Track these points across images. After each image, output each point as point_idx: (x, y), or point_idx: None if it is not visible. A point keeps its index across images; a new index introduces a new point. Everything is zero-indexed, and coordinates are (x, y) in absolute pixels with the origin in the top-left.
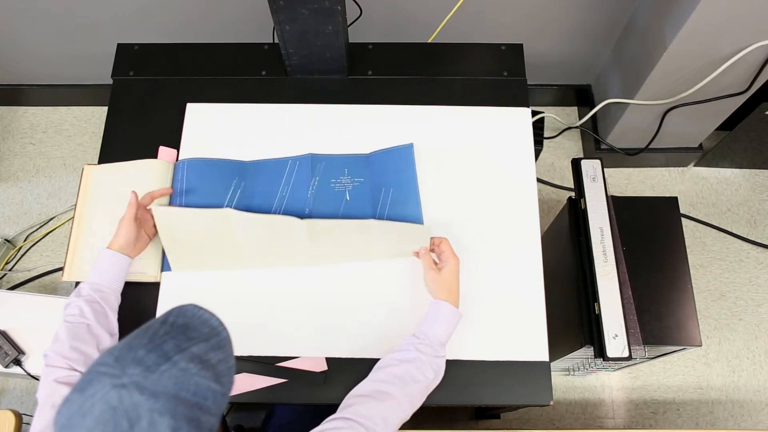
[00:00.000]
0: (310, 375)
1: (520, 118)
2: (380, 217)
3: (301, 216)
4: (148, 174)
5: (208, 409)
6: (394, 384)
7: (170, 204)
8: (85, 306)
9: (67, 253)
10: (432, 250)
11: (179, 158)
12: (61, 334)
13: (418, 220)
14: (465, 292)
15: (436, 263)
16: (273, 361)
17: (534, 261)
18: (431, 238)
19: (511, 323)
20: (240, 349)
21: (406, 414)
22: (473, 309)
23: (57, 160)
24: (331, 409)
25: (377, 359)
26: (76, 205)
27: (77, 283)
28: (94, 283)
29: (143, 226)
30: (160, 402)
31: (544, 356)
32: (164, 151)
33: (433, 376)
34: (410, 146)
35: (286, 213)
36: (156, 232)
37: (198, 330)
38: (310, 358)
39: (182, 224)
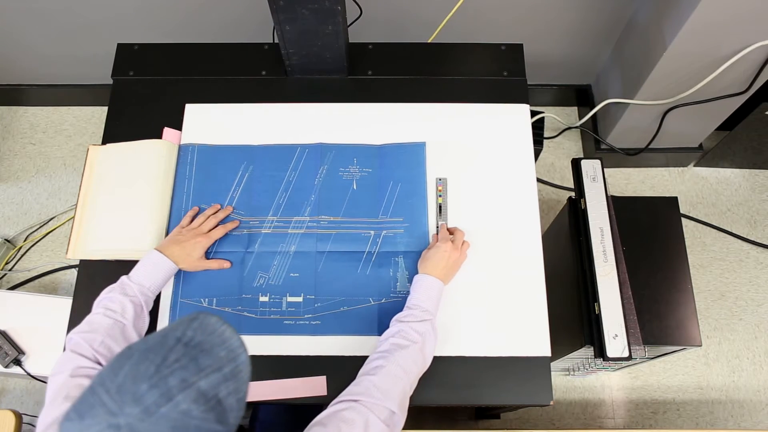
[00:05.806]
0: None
1: (518, 114)
2: (385, 211)
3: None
4: (153, 154)
5: None
6: (383, 357)
7: (175, 185)
8: (129, 306)
9: (71, 231)
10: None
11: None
12: (97, 325)
13: (422, 217)
14: (467, 292)
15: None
16: (274, 362)
17: (535, 260)
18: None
19: (513, 321)
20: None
21: (404, 382)
22: (475, 307)
23: (57, 160)
24: (313, 407)
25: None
26: (81, 184)
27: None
28: (142, 285)
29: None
30: None
31: (546, 351)
32: (169, 132)
33: (420, 338)
34: (422, 145)
35: (291, 198)
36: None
37: (213, 354)
38: (311, 380)
39: None
